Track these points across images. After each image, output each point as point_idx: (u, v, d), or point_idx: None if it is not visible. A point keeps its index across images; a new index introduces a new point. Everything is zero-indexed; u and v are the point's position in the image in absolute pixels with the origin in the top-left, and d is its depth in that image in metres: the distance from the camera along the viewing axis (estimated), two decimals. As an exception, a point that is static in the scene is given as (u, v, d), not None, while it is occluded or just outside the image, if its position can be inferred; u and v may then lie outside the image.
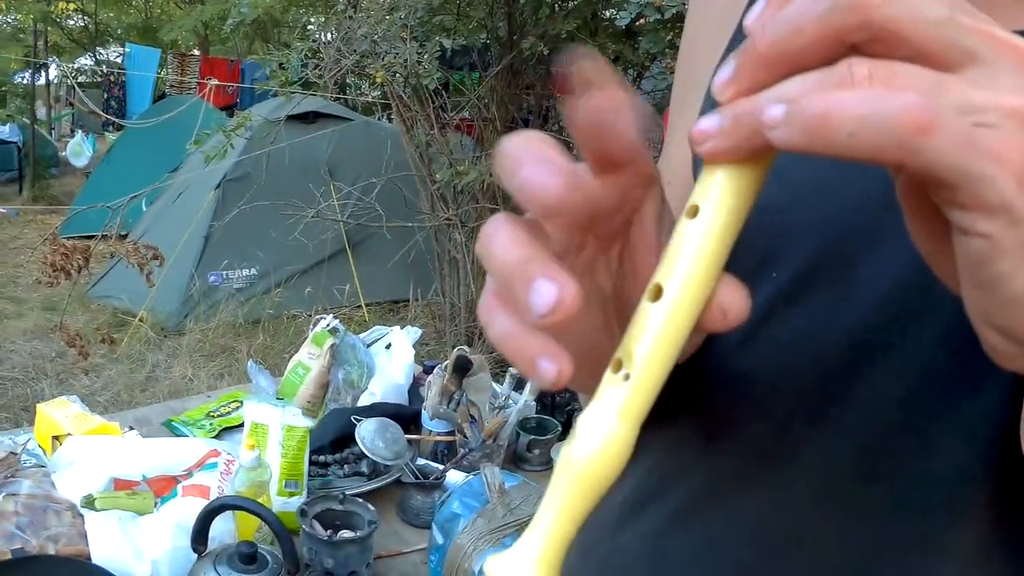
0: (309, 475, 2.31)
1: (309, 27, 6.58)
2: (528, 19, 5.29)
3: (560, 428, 3.15)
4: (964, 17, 0.40)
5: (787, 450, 0.69)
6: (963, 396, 0.62)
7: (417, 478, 2.49)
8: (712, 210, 0.46)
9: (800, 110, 0.40)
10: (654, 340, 0.46)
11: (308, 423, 2.32)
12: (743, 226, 0.48)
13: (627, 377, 0.46)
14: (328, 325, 2.97)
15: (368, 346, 3.19)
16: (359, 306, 6.79)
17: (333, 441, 2.55)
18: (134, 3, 21.54)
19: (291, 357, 3.00)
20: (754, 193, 0.47)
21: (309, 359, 2.88)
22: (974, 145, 0.38)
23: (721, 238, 0.47)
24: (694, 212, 0.47)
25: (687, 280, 0.46)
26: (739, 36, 0.79)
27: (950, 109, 0.38)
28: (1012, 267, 0.41)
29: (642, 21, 4.09)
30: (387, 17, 4.75)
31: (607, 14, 5.45)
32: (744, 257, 0.70)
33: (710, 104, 0.72)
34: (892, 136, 0.38)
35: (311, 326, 3.05)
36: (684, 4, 3.87)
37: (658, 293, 0.47)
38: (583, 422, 0.46)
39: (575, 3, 5.45)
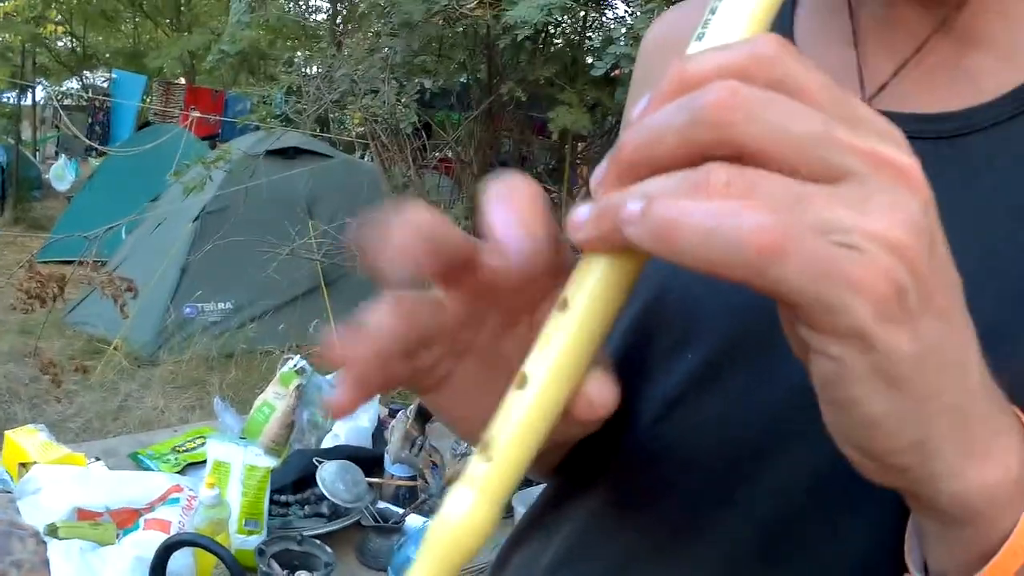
0: (270, 514, 2.34)
1: (295, 60, 6.53)
2: (508, 63, 5.31)
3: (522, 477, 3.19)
4: (841, 130, 0.39)
5: (696, 528, 0.70)
6: (869, 486, 0.60)
7: (377, 521, 2.52)
8: (581, 302, 0.47)
9: (652, 211, 0.39)
10: (515, 427, 0.47)
11: (269, 463, 2.36)
12: (615, 317, 0.48)
13: (489, 459, 0.47)
14: (295, 365, 2.99)
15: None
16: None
17: (295, 481, 2.58)
18: (122, 28, 21.53)
19: (263, 392, 3.02)
20: (627, 285, 0.47)
21: (275, 399, 2.90)
22: (829, 271, 0.37)
23: (589, 330, 0.47)
24: (564, 304, 0.47)
25: (552, 371, 0.47)
26: None
27: (807, 229, 0.37)
28: (863, 392, 0.40)
29: (619, 72, 4.13)
30: (368, 57, 4.77)
31: (588, 60, 5.49)
32: (662, 337, 0.73)
33: None
34: (737, 256, 0.37)
35: (279, 365, 3.08)
36: (661, 59, 3.92)
37: (524, 381, 0.48)
38: (449, 497, 0.48)
39: (555, 49, 5.49)
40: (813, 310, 0.38)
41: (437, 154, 5.80)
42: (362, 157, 7.76)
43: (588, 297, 0.47)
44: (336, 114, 5.52)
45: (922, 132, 0.66)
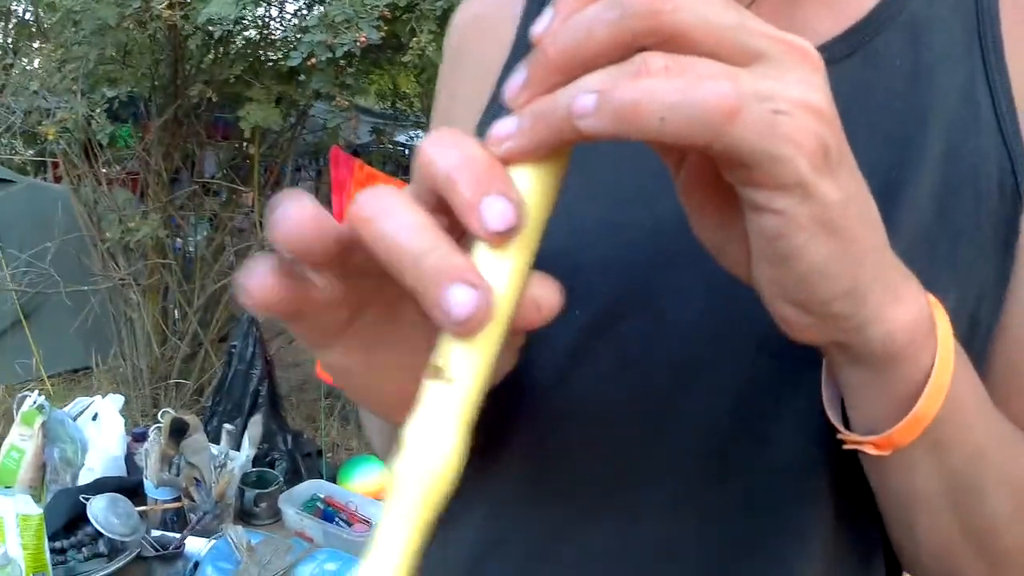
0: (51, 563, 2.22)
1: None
2: (196, 65, 5.17)
3: (281, 479, 3.17)
4: (750, 21, 0.44)
5: (629, 478, 0.72)
6: (789, 392, 0.68)
7: (157, 550, 2.44)
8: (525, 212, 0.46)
9: (610, 98, 0.42)
10: (472, 340, 0.45)
11: (40, 509, 2.23)
12: (546, 226, 0.48)
13: (449, 381, 0.45)
14: (35, 403, 2.84)
15: (75, 419, 3.07)
16: (41, 378, 6.30)
17: (65, 524, 2.45)
18: None
19: (-14, 438, 2.85)
20: (555, 193, 0.48)
21: (21, 441, 2.74)
22: (774, 129, 0.42)
23: (529, 243, 0.47)
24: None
25: (509, 276, 0.46)
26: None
27: (751, 96, 0.41)
28: (805, 240, 0.45)
29: (313, 61, 4.08)
30: (59, 71, 4.52)
31: (270, 54, 5.41)
32: None
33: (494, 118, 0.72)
34: (701, 121, 0.41)
35: (15, 405, 2.91)
36: (356, 42, 3.91)
37: None
38: (417, 434, 0.44)
39: (240, 46, 5.38)
40: (761, 164, 0.43)
41: (128, 164, 5.56)
42: (37, 177, 7.28)
43: (529, 203, 0.46)
44: (7, 138, 5.18)
45: None
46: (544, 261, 0.49)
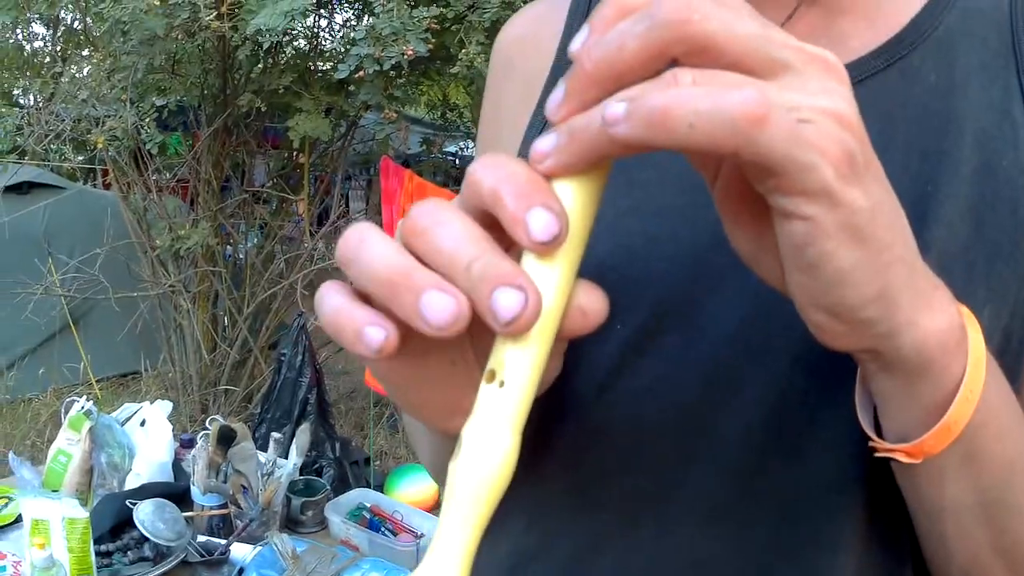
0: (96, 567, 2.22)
1: (15, 92, 6.16)
2: (244, 75, 5.21)
3: (328, 488, 3.17)
4: (774, 32, 0.45)
5: (665, 491, 0.73)
6: (824, 409, 0.68)
7: (202, 556, 2.44)
8: (566, 224, 0.48)
9: (640, 105, 0.43)
10: (523, 345, 0.47)
11: (86, 513, 2.23)
12: (590, 236, 0.50)
13: (502, 384, 0.48)
14: (82, 408, 2.86)
15: (122, 424, 3.09)
16: (90, 383, 6.36)
17: (111, 528, 2.46)
18: None
19: (33, 443, 2.87)
20: (597, 204, 0.50)
21: (68, 445, 2.76)
22: (799, 137, 0.43)
23: (573, 252, 0.49)
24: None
25: (557, 284, 0.48)
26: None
27: (778, 105, 0.42)
28: (833, 246, 0.46)
29: (361, 73, 4.10)
30: (108, 80, 4.57)
31: (320, 65, 5.45)
32: None
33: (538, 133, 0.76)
34: (730, 127, 0.42)
35: (62, 410, 2.92)
36: (403, 55, 3.92)
37: None
38: (473, 436, 0.47)
39: (289, 57, 5.42)
40: (788, 171, 0.44)
41: (178, 172, 5.60)
42: (87, 185, 7.38)
43: (572, 215, 0.48)
44: (58, 144, 5.23)
45: None
46: (590, 275, 0.51)
